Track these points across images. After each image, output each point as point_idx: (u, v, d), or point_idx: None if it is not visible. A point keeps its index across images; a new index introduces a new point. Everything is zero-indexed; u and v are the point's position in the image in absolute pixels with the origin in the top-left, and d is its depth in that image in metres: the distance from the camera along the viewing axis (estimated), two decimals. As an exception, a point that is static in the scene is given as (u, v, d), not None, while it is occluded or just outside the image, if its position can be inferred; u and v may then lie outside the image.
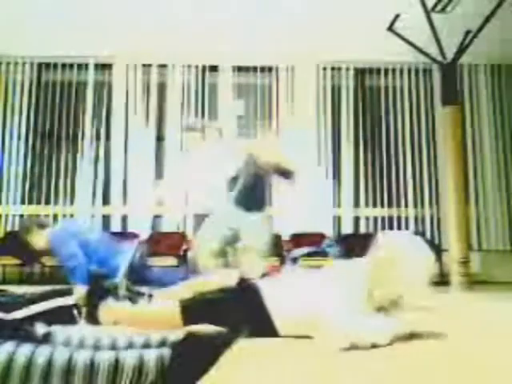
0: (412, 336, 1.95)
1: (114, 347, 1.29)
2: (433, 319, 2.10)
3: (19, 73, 6.71)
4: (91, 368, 1.11)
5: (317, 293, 2.10)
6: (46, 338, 1.30)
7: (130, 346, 1.30)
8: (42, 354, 1.11)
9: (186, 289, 2.23)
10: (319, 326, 1.89)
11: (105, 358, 1.14)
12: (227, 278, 2.20)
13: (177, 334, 1.33)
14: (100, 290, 2.07)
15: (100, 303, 2.03)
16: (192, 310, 1.96)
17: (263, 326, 2.03)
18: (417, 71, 6.94)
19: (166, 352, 1.18)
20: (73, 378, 1.09)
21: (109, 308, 2.04)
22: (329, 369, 1.61)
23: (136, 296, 2.24)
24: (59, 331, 1.34)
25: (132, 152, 6.56)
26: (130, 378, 1.12)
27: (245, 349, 1.77)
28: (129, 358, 1.15)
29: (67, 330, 1.36)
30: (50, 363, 1.10)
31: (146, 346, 1.30)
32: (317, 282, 2.19)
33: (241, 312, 2.00)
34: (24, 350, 1.12)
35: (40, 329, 1.32)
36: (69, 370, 1.10)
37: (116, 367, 1.12)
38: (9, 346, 1.13)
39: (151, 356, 1.17)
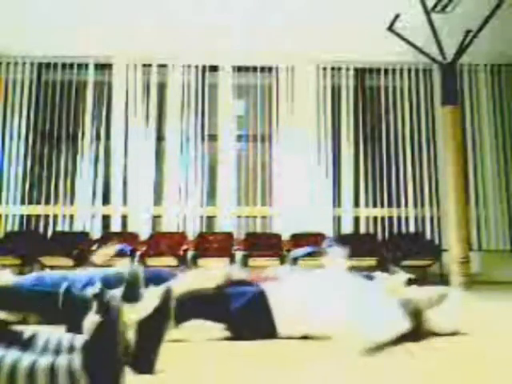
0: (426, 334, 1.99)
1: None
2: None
3: (19, 73, 6.71)
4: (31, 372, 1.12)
5: (320, 295, 2.10)
6: (30, 341, 1.32)
7: (45, 348, 1.32)
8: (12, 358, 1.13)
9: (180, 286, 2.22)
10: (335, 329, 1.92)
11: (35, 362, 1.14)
12: (212, 279, 2.19)
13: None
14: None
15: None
16: (183, 304, 1.96)
17: (265, 327, 2.03)
18: (417, 71, 6.94)
19: (77, 358, 1.17)
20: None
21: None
22: (333, 370, 1.61)
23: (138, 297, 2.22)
24: (41, 334, 1.36)
25: (132, 152, 6.56)
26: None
27: (246, 350, 1.77)
28: (43, 363, 1.15)
29: (48, 334, 1.38)
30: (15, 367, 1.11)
31: (58, 349, 1.33)
32: (319, 284, 2.20)
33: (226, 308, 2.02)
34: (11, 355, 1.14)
35: (27, 331, 1.35)
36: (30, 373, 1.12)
37: (32, 371, 1.13)
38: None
39: (62, 362, 1.16)
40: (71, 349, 1.33)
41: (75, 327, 1.83)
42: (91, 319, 1.53)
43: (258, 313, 2.04)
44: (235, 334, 2.06)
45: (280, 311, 2.03)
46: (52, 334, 1.39)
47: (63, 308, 1.94)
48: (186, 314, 1.94)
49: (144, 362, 1.42)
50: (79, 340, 1.36)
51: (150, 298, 1.65)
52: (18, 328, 1.38)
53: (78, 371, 1.13)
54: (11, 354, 1.14)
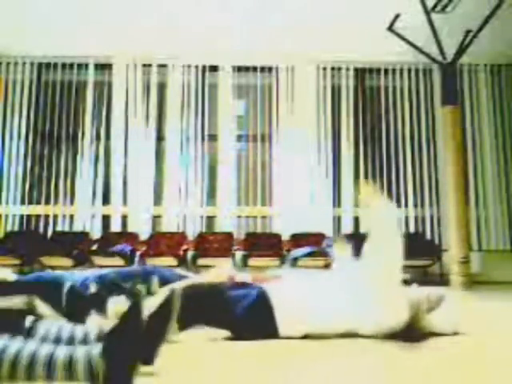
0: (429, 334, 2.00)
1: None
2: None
3: (19, 73, 6.71)
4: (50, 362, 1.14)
5: (320, 293, 2.11)
6: (30, 332, 1.36)
7: (71, 340, 1.35)
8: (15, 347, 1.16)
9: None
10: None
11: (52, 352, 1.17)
12: (218, 277, 2.20)
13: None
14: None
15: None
16: (186, 309, 1.96)
17: (267, 328, 2.03)
18: (417, 71, 6.94)
19: (96, 349, 1.19)
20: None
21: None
22: (333, 370, 1.61)
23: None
24: (41, 325, 1.39)
25: (132, 152, 6.56)
26: (62, 373, 1.14)
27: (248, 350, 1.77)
28: (61, 354, 1.16)
29: (48, 325, 1.40)
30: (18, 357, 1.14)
31: (84, 340, 1.36)
32: (319, 283, 2.20)
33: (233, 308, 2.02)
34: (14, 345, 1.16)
35: (27, 322, 1.39)
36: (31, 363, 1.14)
37: (50, 362, 1.15)
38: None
39: (80, 353, 1.17)
40: (82, 341, 1.34)
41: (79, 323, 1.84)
42: (117, 310, 1.55)
43: (260, 314, 2.04)
44: (237, 334, 2.06)
45: (281, 311, 2.03)
46: (61, 326, 1.41)
47: (67, 307, 1.96)
48: (189, 320, 1.93)
49: (145, 354, 1.42)
50: (89, 332, 1.38)
51: (156, 296, 1.66)
52: (28, 319, 1.40)
53: (97, 362, 1.15)
54: (29, 346, 1.16)
